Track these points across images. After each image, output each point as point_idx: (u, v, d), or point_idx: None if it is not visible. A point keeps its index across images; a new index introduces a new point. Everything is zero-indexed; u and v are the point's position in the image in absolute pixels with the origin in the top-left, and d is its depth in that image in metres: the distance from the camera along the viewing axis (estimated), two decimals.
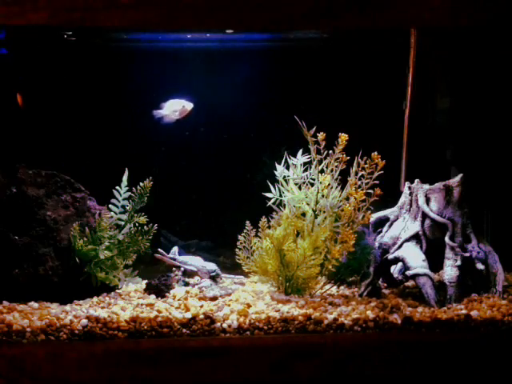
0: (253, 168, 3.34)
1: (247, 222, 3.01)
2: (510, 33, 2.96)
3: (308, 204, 2.88)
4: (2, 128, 3.20)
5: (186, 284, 3.02)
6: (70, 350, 2.37)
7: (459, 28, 2.93)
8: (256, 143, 3.40)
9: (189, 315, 2.50)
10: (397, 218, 3.04)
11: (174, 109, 3.13)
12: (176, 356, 2.38)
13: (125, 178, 2.97)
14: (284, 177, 2.91)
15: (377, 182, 2.82)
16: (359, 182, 2.84)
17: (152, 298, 2.82)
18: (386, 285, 3.04)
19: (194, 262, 3.09)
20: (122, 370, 2.35)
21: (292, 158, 2.90)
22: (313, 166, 2.87)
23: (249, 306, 2.65)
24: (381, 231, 3.05)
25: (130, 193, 2.96)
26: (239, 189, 3.41)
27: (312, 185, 2.89)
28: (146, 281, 2.97)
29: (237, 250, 3.03)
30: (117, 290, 2.91)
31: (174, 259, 3.08)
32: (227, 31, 2.90)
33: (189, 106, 3.14)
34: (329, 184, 2.85)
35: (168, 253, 3.08)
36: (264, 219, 2.97)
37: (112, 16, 2.45)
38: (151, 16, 2.47)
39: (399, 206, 3.05)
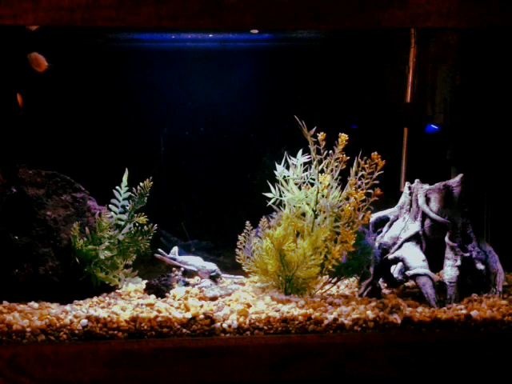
0: (253, 168, 3.33)
1: (247, 222, 3.01)
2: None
3: (308, 204, 2.88)
4: (2, 128, 3.20)
5: (186, 284, 3.02)
6: (69, 350, 2.37)
7: (460, 29, 2.93)
8: (256, 143, 3.40)
9: (189, 315, 2.50)
10: (397, 218, 3.04)
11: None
12: (176, 356, 2.37)
13: (125, 178, 2.97)
14: (284, 177, 2.91)
15: (377, 181, 2.82)
16: (359, 182, 2.84)
17: (152, 297, 2.82)
18: (386, 285, 3.05)
19: (194, 261, 3.09)
20: (122, 369, 2.35)
21: (292, 158, 2.90)
22: (313, 166, 2.87)
23: (249, 305, 2.64)
24: (381, 231, 3.05)
25: (130, 193, 2.96)
26: (239, 189, 3.41)
27: (312, 185, 2.89)
28: (146, 281, 2.97)
29: (237, 250, 3.03)
30: (117, 290, 2.91)
31: (174, 259, 3.08)
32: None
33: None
34: (329, 184, 2.85)
35: (168, 253, 3.08)
36: (264, 219, 2.97)
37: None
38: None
39: (399, 205, 3.05)
